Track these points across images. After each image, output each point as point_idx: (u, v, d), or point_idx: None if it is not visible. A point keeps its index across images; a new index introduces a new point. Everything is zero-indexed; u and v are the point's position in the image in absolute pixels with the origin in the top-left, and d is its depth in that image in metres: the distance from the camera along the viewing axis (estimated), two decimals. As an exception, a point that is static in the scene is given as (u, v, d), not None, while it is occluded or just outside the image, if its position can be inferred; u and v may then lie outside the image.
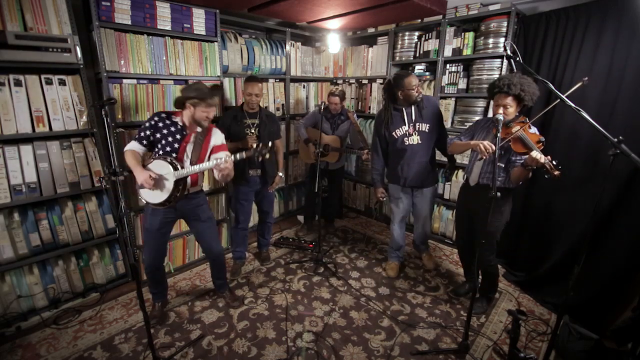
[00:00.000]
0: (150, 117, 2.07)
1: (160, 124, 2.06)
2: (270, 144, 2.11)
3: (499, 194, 1.71)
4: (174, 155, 2.07)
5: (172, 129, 2.07)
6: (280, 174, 2.90)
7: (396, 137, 2.58)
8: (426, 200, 2.74)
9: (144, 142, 2.04)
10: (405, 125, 2.54)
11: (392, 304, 2.51)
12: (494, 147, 1.92)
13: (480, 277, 2.41)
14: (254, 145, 2.11)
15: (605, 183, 1.44)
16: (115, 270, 2.66)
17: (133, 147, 2.04)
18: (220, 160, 1.95)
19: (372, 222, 4.02)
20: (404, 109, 2.53)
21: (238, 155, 2.02)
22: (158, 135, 2.05)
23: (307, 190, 3.70)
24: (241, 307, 2.45)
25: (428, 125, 2.53)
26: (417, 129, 2.54)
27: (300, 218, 4.00)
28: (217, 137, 2.21)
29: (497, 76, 2.81)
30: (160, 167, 2.00)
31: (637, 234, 2.05)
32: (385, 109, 2.61)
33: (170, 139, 2.06)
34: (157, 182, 1.99)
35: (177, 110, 2.13)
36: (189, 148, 2.10)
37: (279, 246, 3.37)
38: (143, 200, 2.10)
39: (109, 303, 2.48)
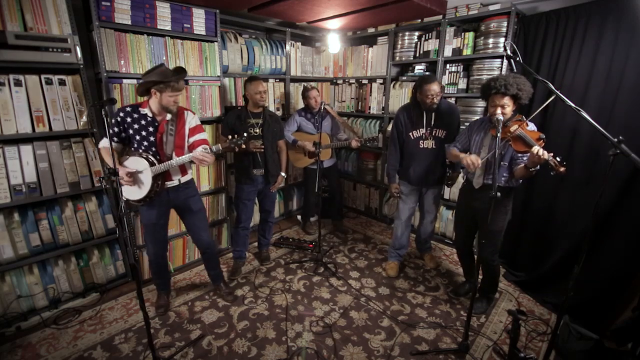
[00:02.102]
0: (115, 113, 2.02)
1: (128, 119, 2.01)
2: (245, 134, 2.15)
3: (499, 194, 1.71)
4: (153, 149, 2.05)
5: (142, 122, 2.03)
6: (283, 173, 2.91)
7: (412, 138, 2.61)
8: (434, 199, 2.79)
9: (115, 138, 2.03)
10: (422, 128, 2.56)
11: (392, 304, 2.51)
12: (479, 162, 2.00)
13: (480, 275, 2.41)
14: (230, 137, 2.13)
15: (605, 183, 1.44)
16: (115, 270, 2.66)
17: (106, 144, 2.03)
18: (199, 153, 1.98)
19: (372, 222, 4.02)
20: (424, 112, 2.54)
21: (214, 148, 2.05)
22: (131, 132, 2.03)
23: (305, 191, 3.72)
24: (241, 307, 2.45)
25: (445, 132, 2.55)
26: (433, 134, 2.56)
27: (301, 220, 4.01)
28: (191, 119, 2.18)
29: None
30: (136, 163, 2.00)
31: (637, 234, 2.05)
32: (407, 107, 2.64)
33: (143, 133, 2.03)
34: (135, 179, 1.99)
35: (142, 100, 2.07)
36: (165, 138, 2.07)
37: (279, 246, 3.37)
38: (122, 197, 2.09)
39: (109, 303, 2.48)
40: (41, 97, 2.14)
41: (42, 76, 2.13)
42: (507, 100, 1.92)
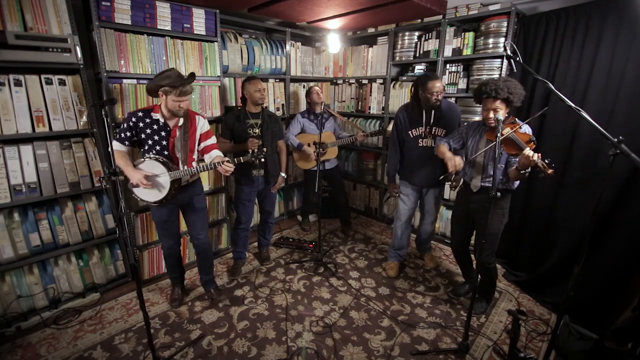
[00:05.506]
0: (127, 117, 2.02)
1: (141, 124, 2.02)
2: (265, 148, 2.17)
3: (499, 194, 1.71)
4: (165, 153, 2.07)
5: (155, 127, 2.04)
6: (283, 174, 2.91)
7: (411, 136, 2.60)
8: (435, 199, 2.79)
9: (126, 142, 2.04)
10: (421, 126, 2.56)
11: (392, 304, 2.51)
12: (462, 166, 2.05)
13: (479, 276, 2.41)
14: (250, 150, 2.16)
15: (605, 183, 1.44)
16: (115, 270, 2.66)
17: (118, 147, 2.04)
18: (221, 165, 2.00)
19: (372, 222, 4.02)
20: (424, 110, 2.53)
21: (236, 160, 2.09)
22: (143, 136, 2.04)
23: (304, 191, 3.76)
24: (241, 307, 2.45)
25: (445, 131, 2.55)
26: (432, 133, 2.56)
27: (300, 217, 4.02)
28: (203, 124, 2.20)
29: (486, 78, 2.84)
30: (153, 167, 2.02)
31: (636, 234, 2.05)
32: (408, 106, 2.64)
33: (156, 137, 2.05)
34: (152, 182, 2.01)
35: (154, 104, 2.09)
36: (178, 143, 2.09)
37: (279, 246, 3.37)
38: (138, 198, 2.12)
39: (109, 303, 2.48)
40: (41, 97, 2.14)
41: (42, 76, 2.13)
42: (499, 104, 1.93)
